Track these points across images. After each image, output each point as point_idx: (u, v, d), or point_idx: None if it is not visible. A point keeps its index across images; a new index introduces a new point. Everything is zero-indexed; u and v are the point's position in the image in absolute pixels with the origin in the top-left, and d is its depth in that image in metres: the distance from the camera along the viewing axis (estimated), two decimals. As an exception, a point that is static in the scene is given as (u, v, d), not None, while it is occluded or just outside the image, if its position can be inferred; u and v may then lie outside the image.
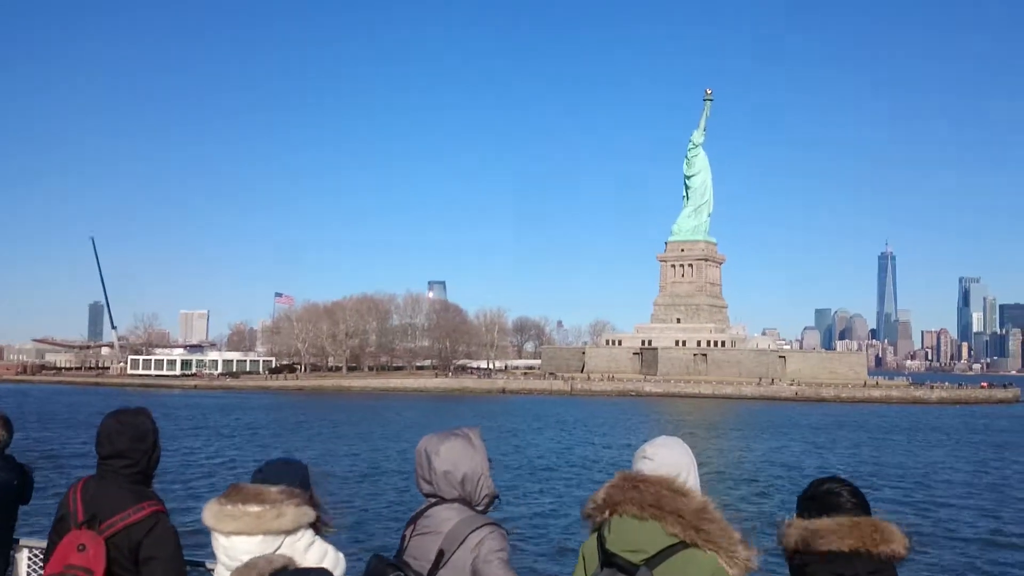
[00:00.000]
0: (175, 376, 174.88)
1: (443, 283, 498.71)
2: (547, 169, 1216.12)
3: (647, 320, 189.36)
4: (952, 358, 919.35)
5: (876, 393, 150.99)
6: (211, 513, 4.04)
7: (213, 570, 5.02)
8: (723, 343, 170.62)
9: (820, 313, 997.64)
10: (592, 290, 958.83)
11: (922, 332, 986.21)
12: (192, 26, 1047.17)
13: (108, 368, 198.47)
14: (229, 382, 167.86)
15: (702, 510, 3.69)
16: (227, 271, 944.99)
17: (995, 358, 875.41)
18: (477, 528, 3.84)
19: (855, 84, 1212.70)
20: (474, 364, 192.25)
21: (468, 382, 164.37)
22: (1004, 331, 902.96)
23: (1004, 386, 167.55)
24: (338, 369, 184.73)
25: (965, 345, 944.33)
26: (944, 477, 49.69)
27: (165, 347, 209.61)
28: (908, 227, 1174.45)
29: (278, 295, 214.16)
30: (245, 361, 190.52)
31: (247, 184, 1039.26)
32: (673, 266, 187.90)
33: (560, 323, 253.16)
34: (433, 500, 4.00)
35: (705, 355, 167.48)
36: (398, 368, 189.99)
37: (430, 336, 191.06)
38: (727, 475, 47.90)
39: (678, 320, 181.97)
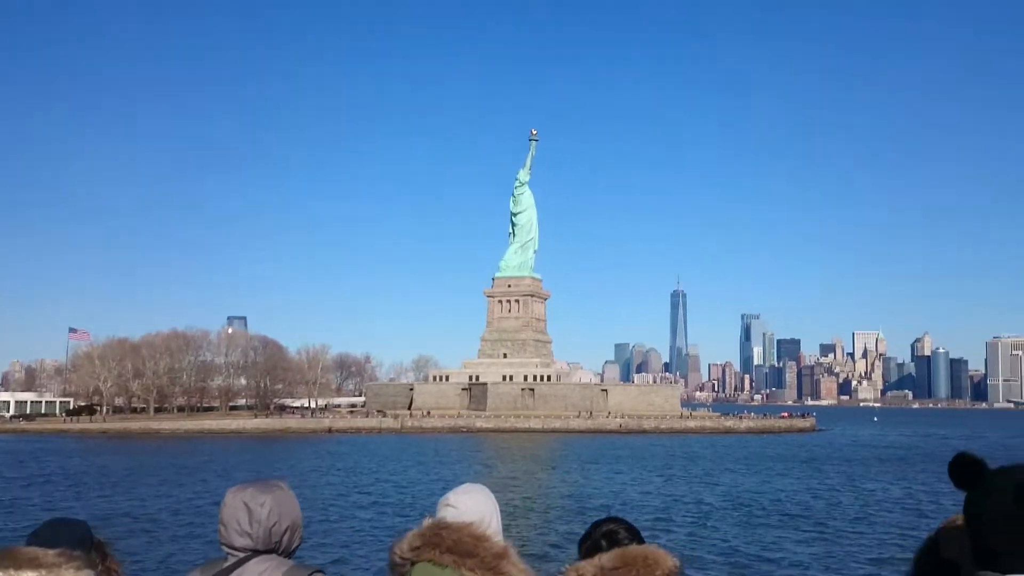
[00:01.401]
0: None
1: (244, 319, 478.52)
2: (362, 201, 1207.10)
3: (473, 355, 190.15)
4: (736, 389, 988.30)
5: (692, 424, 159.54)
6: None
7: None
8: (548, 377, 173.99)
9: (619, 347, 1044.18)
10: (412, 325, 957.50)
11: (709, 365, 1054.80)
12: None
13: None
14: (23, 425, 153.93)
15: (502, 555, 3.75)
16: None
17: (774, 389, 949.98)
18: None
19: (652, 129, 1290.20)
20: (295, 403, 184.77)
21: (291, 422, 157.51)
22: (781, 364, 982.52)
23: (803, 415, 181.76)
24: (143, 410, 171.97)
25: (747, 377, 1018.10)
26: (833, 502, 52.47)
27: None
28: (697, 266, 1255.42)
29: (72, 330, 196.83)
30: (40, 402, 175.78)
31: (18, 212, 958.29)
32: (500, 301, 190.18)
33: (368, 358, 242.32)
34: (245, 554, 3.88)
35: (532, 390, 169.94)
36: (209, 408, 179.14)
37: (247, 374, 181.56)
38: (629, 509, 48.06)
39: (505, 355, 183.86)
